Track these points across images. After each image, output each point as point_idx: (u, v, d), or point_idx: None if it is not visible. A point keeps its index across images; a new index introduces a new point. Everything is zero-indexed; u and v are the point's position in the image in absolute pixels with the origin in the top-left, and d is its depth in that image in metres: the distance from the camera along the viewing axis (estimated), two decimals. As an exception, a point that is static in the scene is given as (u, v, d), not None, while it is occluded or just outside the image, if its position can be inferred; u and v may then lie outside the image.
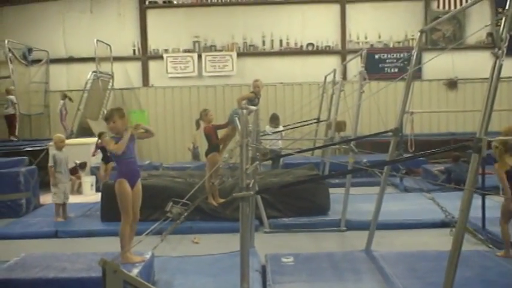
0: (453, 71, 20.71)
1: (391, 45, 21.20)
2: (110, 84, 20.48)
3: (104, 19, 21.24)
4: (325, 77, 17.07)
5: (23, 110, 18.86)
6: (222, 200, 10.43)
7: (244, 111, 5.60)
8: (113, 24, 21.24)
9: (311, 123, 16.79)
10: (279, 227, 10.34)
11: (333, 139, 13.81)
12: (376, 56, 20.86)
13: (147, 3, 21.37)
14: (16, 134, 18.03)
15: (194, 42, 21.33)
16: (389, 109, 18.70)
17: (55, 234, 10.30)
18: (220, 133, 10.90)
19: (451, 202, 9.12)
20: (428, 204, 10.22)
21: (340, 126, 15.34)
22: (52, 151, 11.50)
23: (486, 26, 17.46)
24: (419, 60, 11.02)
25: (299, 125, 16.27)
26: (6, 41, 18.13)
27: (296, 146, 14.61)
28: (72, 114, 19.13)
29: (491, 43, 20.57)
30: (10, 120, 18.14)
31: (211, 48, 21.37)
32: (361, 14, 21.11)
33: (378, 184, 8.67)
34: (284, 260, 7.64)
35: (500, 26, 4.67)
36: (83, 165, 15.46)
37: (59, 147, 11.37)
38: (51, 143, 14.27)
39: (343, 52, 21.06)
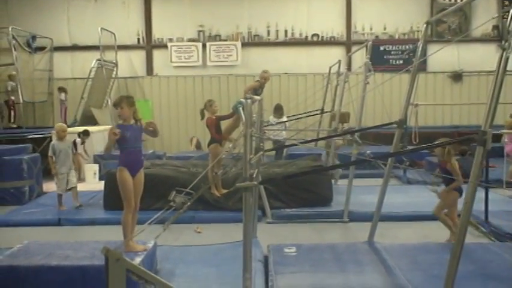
0: (458, 64, 20.67)
1: (397, 37, 21.14)
2: (114, 72, 20.45)
3: (109, 7, 21.20)
4: (330, 68, 17.01)
5: (26, 98, 18.86)
6: (224, 191, 10.43)
7: (249, 101, 5.58)
8: (118, 13, 21.21)
9: (315, 114, 16.76)
10: (282, 218, 10.34)
11: (337, 130, 13.79)
12: (381, 48, 20.79)
13: (152, -9, 21.35)
14: (14, 121, 18.07)
15: (199, 32, 21.28)
16: (394, 101, 18.70)
17: (58, 222, 10.32)
18: (224, 124, 10.86)
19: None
20: (431, 196, 10.17)
21: (344, 117, 15.32)
22: (53, 141, 11.37)
23: (493, 18, 17.40)
24: (424, 52, 11.00)
25: (303, 115, 16.24)
26: (10, 28, 18.11)
27: (300, 136, 14.59)
28: (75, 103, 19.13)
29: (496, 36, 20.51)
30: (9, 106, 18.20)
31: (216, 37, 21.33)
32: (366, 5, 21.04)
33: (381, 176, 8.68)
34: (286, 250, 7.65)
35: (507, 18, 4.64)
36: (85, 133, 15.41)
37: (61, 136, 11.22)
38: (53, 131, 14.29)
39: (348, 43, 21.01)
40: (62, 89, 19.58)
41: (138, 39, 21.42)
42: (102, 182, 11.65)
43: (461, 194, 8.11)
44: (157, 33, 21.40)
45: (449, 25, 20.88)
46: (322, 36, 21.25)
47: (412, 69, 7.65)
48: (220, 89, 20.69)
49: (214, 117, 10.45)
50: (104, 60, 19.36)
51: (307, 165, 11.95)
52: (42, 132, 16.49)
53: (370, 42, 10.39)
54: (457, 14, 20.64)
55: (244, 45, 21.07)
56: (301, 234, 9.38)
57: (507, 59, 4.49)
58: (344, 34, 21.24)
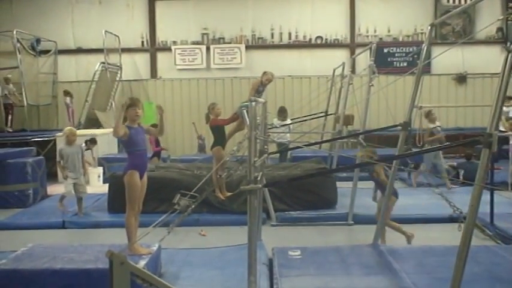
0: (462, 66, 20.65)
1: (401, 39, 21.12)
2: (118, 75, 20.48)
3: (113, 10, 21.24)
4: (334, 71, 17.01)
5: (31, 101, 18.92)
6: (229, 194, 10.42)
7: (253, 103, 5.57)
8: (122, 16, 21.25)
9: (319, 117, 16.75)
10: (286, 220, 10.34)
11: (341, 133, 13.78)
12: (385, 50, 20.77)
13: (156, -6, 21.37)
14: (11, 125, 18.07)
15: (203, 35, 21.31)
16: (398, 103, 18.67)
17: (62, 225, 10.34)
18: (228, 128, 10.86)
19: (460, 197, 9.07)
20: (437, 199, 10.15)
21: (348, 120, 15.31)
22: (60, 145, 11.03)
23: (498, 20, 17.37)
24: (428, 55, 10.97)
25: (307, 118, 16.23)
26: (14, 31, 18.16)
27: (304, 139, 14.57)
28: (80, 106, 19.15)
29: (501, 38, 20.47)
30: (7, 109, 18.18)
31: (220, 40, 21.34)
32: (370, 7, 21.04)
33: (386, 178, 8.64)
34: (291, 253, 7.63)
35: (511, 20, 4.63)
36: (92, 141, 15.35)
37: (70, 141, 10.81)
38: (58, 134, 14.30)
39: (352, 45, 21.00)
40: (67, 93, 19.58)
41: (142, 42, 21.45)
42: (106, 185, 11.66)
43: (397, 197, 8.36)
44: (161, 36, 21.42)
45: (454, 27, 20.86)
46: (326, 39, 21.25)
47: (416, 71, 7.63)
48: (225, 91, 20.69)
49: (217, 119, 10.44)
50: (108, 63, 19.39)
51: (311, 168, 11.94)
52: (47, 135, 16.51)
53: (374, 45, 10.37)
54: (461, 16, 20.61)
55: (248, 47, 21.08)
56: (306, 237, 9.37)
57: (512, 60, 4.47)
58: (348, 36, 21.23)
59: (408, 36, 21.15)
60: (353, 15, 21.15)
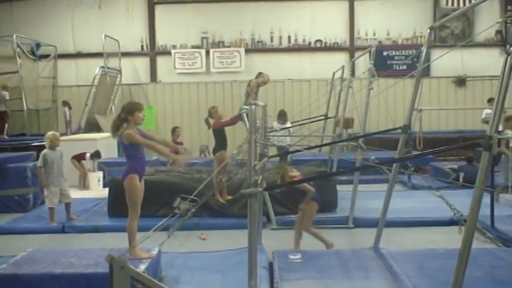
0: (462, 69, 20.69)
1: (400, 42, 21.16)
2: (118, 79, 20.50)
3: (113, 14, 21.28)
4: (334, 74, 17.01)
5: (31, 105, 18.92)
6: (229, 197, 10.41)
7: (253, 107, 5.56)
8: (121, 20, 21.29)
9: (319, 120, 16.75)
10: (287, 224, 10.28)
11: (341, 136, 13.77)
12: (385, 53, 20.80)
13: (155, -2, 21.41)
14: (6, 133, 18.01)
15: (202, 38, 21.34)
16: (398, 106, 18.67)
17: (62, 230, 10.29)
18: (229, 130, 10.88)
19: (460, 200, 9.04)
20: (437, 202, 10.13)
21: (348, 123, 15.30)
22: (44, 150, 10.60)
23: (497, 22, 17.39)
24: (428, 58, 10.98)
25: (307, 121, 16.22)
26: (14, 36, 18.18)
27: (304, 142, 14.57)
28: (79, 110, 19.15)
29: (500, 41, 20.48)
30: (1, 117, 18.10)
31: (219, 44, 21.37)
32: (369, 10, 21.08)
33: (386, 181, 8.65)
34: (291, 257, 7.62)
35: (510, 23, 4.63)
36: (96, 154, 15.33)
37: (54, 145, 10.55)
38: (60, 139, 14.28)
39: (351, 49, 21.03)
40: (65, 103, 19.59)
41: (142, 46, 21.48)
42: (106, 189, 11.63)
43: (318, 203, 8.37)
44: (161, 40, 21.46)
45: (453, 30, 20.89)
46: (326, 42, 21.28)
47: (416, 74, 7.63)
48: (224, 95, 20.71)
49: (221, 121, 10.44)
50: (108, 67, 19.42)
51: (311, 171, 11.92)
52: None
53: (374, 48, 10.36)
54: (460, 19, 20.65)
55: (247, 51, 21.11)
56: (306, 240, 9.34)
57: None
58: (347, 40, 21.27)
59: (407, 39, 21.18)
60: (352, 19, 21.18)
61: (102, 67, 19.15)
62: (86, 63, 20.86)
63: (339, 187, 11.28)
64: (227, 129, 10.81)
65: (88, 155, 15.00)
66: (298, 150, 11.47)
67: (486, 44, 20.76)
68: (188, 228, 8.63)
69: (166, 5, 21.53)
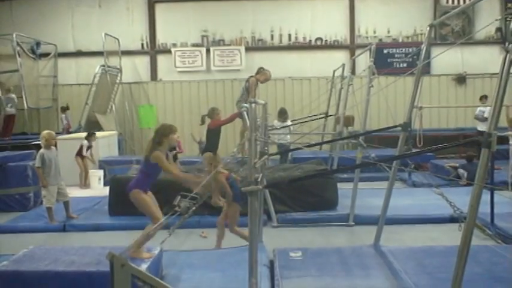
0: (462, 66, 20.68)
1: (400, 40, 21.15)
2: (118, 78, 20.50)
3: (113, 13, 21.28)
4: (334, 72, 17.03)
5: (31, 104, 18.94)
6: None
7: (253, 105, 5.57)
8: (122, 18, 21.29)
9: (319, 118, 16.76)
10: (287, 222, 10.33)
11: (342, 134, 13.78)
12: (385, 51, 20.79)
13: (155, -3, 21.42)
14: (9, 135, 18.07)
15: (202, 37, 21.34)
16: (398, 104, 18.66)
17: (63, 228, 10.31)
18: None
19: (460, 197, 9.05)
20: (437, 199, 10.13)
21: (349, 120, 15.33)
22: (41, 150, 10.50)
23: (496, 20, 17.39)
24: (428, 55, 10.98)
25: (307, 119, 16.24)
26: (14, 35, 18.18)
27: (304, 140, 14.58)
28: (80, 109, 19.16)
29: (500, 38, 20.47)
30: (9, 120, 18.14)
31: (220, 42, 21.37)
32: (370, 8, 21.07)
33: (386, 179, 8.67)
34: (292, 254, 7.64)
35: (510, 20, 4.64)
36: (90, 135, 15.34)
37: (50, 144, 10.49)
38: (58, 137, 14.25)
39: (351, 47, 21.03)
40: (63, 109, 19.64)
41: (142, 44, 21.48)
42: (107, 188, 11.63)
43: (239, 203, 8.28)
44: (161, 39, 21.45)
45: (453, 28, 20.88)
46: (326, 40, 21.28)
47: (416, 72, 7.64)
48: (225, 93, 20.71)
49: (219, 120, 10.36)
50: (108, 66, 19.42)
51: (312, 169, 11.93)
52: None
53: (374, 46, 10.36)
54: (461, 16, 20.64)
55: (248, 49, 21.11)
56: (307, 238, 9.37)
57: (511, 61, 4.48)
58: (348, 38, 21.26)
59: (408, 37, 21.18)
60: (353, 17, 21.18)
61: (103, 66, 19.15)
62: (86, 61, 20.86)
63: (339, 185, 11.28)
64: (227, 128, 10.78)
65: (85, 142, 14.95)
66: (298, 148, 11.49)
67: (486, 42, 20.77)
68: (189, 226, 8.63)
69: (166, 3, 21.53)
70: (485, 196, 6.87)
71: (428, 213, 10.30)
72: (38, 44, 19.99)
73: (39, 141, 15.15)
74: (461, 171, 13.60)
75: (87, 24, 21.14)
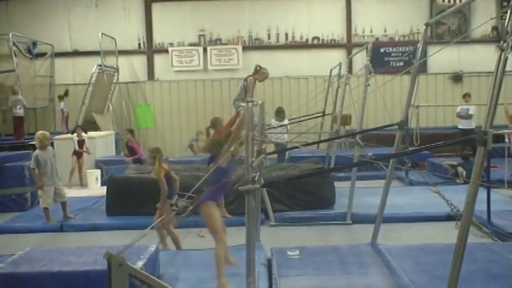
0: (458, 65, 20.70)
1: (397, 39, 21.16)
2: (115, 78, 20.49)
3: (109, 13, 21.24)
4: (331, 71, 17.04)
5: (28, 104, 18.91)
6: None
7: (249, 104, 5.57)
8: (118, 18, 21.26)
9: (316, 117, 16.77)
10: (285, 221, 10.34)
11: (339, 132, 13.80)
12: (382, 50, 20.81)
13: (152, -4, 21.41)
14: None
15: (199, 36, 21.32)
16: (395, 103, 18.69)
17: (60, 228, 10.31)
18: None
19: (457, 195, 9.09)
20: (434, 197, 10.18)
21: (346, 119, 15.33)
22: (35, 151, 10.49)
23: (491, 19, 17.42)
24: (424, 54, 10.99)
25: (304, 118, 16.25)
26: (10, 35, 18.15)
27: (302, 139, 14.60)
28: (77, 108, 19.15)
29: (496, 37, 20.51)
30: (19, 122, 18.15)
31: (217, 41, 21.37)
32: (366, 7, 21.07)
33: (383, 177, 8.67)
34: (290, 253, 7.65)
35: (505, 19, 4.66)
36: (81, 127, 15.29)
37: (44, 145, 10.48)
38: (56, 137, 14.27)
39: (348, 46, 21.03)
40: (60, 97, 19.63)
41: (139, 44, 21.45)
42: (104, 188, 11.63)
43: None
44: (158, 38, 21.44)
45: (449, 27, 20.90)
46: (323, 39, 21.29)
47: (412, 70, 7.66)
48: (222, 93, 20.69)
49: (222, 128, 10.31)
50: (105, 66, 19.40)
51: (309, 168, 11.94)
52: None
53: (370, 45, 10.39)
54: (457, 15, 20.65)
55: (245, 48, 21.10)
56: (304, 236, 9.38)
57: (506, 59, 4.49)
58: (344, 37, 21.27)
59: (404, 36, 21.19)
60: (349, 16, 21.18)
61: (99, 65, 19.13)
62: (83, 61, 20.83)
63: (336, 184, 11.31)
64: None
65: (74, 138, 14.91)
66: (295, 147, 11.50)
67: (482, 40, 20.79)
68: (187, 225, 8.63)
69: (163, 2, 21.50)
70: (482, 194, 6.89)
71: (425, 212, 10.32)
72: (34, 43, 19.96)
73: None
74: (460, 169, 13.62)
75: (83, 24, 21.11)
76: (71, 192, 12.84)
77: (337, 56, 20.18)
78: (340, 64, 16.03)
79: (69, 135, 16.06)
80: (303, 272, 6.91)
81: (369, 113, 17.04)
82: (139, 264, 6.01)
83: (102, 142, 16.71)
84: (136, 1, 21.36)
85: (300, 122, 16.01)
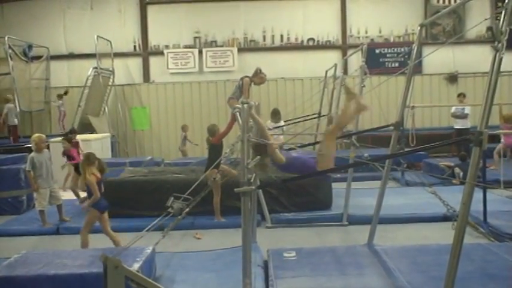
0: (454, 65, 20.73)
1: (392, 40, 21.19)
2: (111, 80, 20.48)
3: (105, 15, 21.23)
4: (326, 72, 17.03)
5: (23, 107, 18.89)
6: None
7: (245, 106, 5.57)
8: (114, 21, 21.24)
9: (312, 118, 16.77)
10: (281, 222, 10.34)
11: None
12: (377, 51, 20.83)
13: (147, -1, 21.40)
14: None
15: (195, 38, 21.33)
16: (391, 103, 18.67)
17: (56, 231, 10.28)
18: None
19: (453, 196, 9.10)
20: (430, 198, 10.19)
21: (342, 121, 15.27)
22: (31, 153, 10.45)
23: (486, 19, 17.45)
24: (419, 55, 10.99)
25: (300, 119, 16.24)
26: (6, 38, 18.14)
27: (298, 140, 14.57)
28: (72, 111, 19.14)
29: (491, 37, 20.52)
30: (14, 129, 18.12)
31: (212, 43, 21.36)
32: (361, 8, 21.10)
33: (379, 178, 8.67)
34: (286, 254, 7.65)
35: (499, 19, 4.66)
36: (73, 131, 15.18)
37: (40, 148, 10.42)
38: (51, 140, 14.21)
39: (343, 47, 21.05)
40: (60, 96, 19.64)
41: (135, 46, 21.44)
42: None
43: (102, 211, 8.35)
44: (153, 40, 21.43)
45: (444, 27, 20.93)
46: (318, 41, 21.30)
47: (407, 71, 7.66)
48: (218, 94, 20.65)
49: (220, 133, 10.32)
50: (101, 68, 19.39)
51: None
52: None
53: (365, 46, 10.40)
54: (451, 16, 20.68)
55: (240, 50, 21.11)
56: (301, 238, 9.38)
57: (501, 59, 4.50)
58: (339, 38, 21.29)
59: (399, 36, 21.22)
60: (344, 17, 21.21)
61: (95, 68, 19.13)
62: (79, 64, 20.81)
63: (333, 185, 11.29)
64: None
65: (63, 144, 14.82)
66: (292, 148, 11.48)
67: (477, 41, 20.81)
68: (183, 227, 8.64)
69: (158, 5, 21.51)
70: (478, 194, 6.90)
71: (422, 212, 10.33)
72: (30, 46, 19.95)
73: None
74: (457, 170, 13.63)
75: (79, 27, 21.08)
76: (66, 195, 12.79)
77: (333, 57, 20.17)
78: (335, 65, 16.02)
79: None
80: (300, 273, 6.91)
81: (364, 114, 16.94)
82: (136, 266, 6.01)
83: (97, 145, 16.65)
84: (131, 3, 21.35)
85: (296, 123, 16.00)
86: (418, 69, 19.48)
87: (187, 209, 5.08)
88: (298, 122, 16.09)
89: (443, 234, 8.34)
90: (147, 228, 4.86)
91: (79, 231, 10.09)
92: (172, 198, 5.07)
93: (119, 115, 20.83)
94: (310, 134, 15.99)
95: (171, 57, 21.16)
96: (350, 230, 9.90)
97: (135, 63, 21.52)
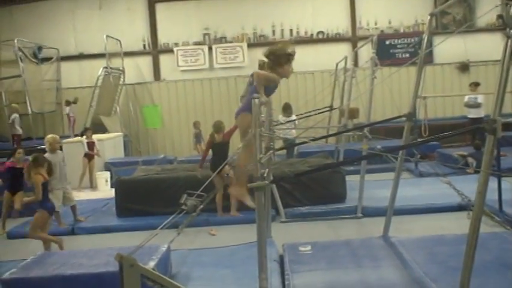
0: (465, 54, 20.58)
1: (402, 31, 21.09)
2: (121, 79, 20.52)
3: (114, 15, 21.27)
4: (337, 65, 16.98)
5: (35, 109, 18.97)
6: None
7: (257, 101, 5.54)
8: (123, 20, 21.28)
9: (324, 111, 16.73)
10: (296, 216, 10.32)
11: (347, 126, 13.76)
12: (387, 42, 20.74)
13: (156, -3, 21.41)
14: None
15: (204, 35, 21.33)
16: (402, 94, 18.60)
17: (72, 231, 10.31)
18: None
19: (467, 185, 9.06)
20: (445, 188, 10.15)
21: (353, 113, 15.27)
22: (45, 154, 10.04)
23: (496, 6, 17.30)
24: (430, 44, 10.94)
25: (312, 113, 16.20)
26: (16, 40, 18.20)
27: (310, 134, 14.55)
28: (84, 111, 19.18)
29: (501, 25, 20.35)
30: (18, 138, 18.17)
31: (222, 40, 21.36)
32: (370, 0, 21.01)
33: (393, 170, 8.64)
34: (301, 249, 7.63)
35: (510, 5, 4.62)
36: (88, 130, 15.35)
37: (54, 148, 10.45)
38: (64, 141, 14.26)
39: (353, 39, 20.97)
40: (67, 103, 19.69)
41: (144, 45, 21.48)
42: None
43: (50, 213, 8.45)
44: (162, 38, 21.45)
45: (454, 16, 20.80)
46: (328, 33, 21.26)
47: (418, 61, 7.62)
48: (229, 90, 20.67)
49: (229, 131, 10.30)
50: (111, 68, 19.43)
51: (318, 163, 11.91)
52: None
53: (375, 37, 10.35)
54: (462, 4, 20.56)
55: (250, 45, 21.08)
56: (316, 231, 9.36)
57: (512, 46, 4.47)
58: (349, 30, 21.23)
59: (409, 27, 21.13)
60: (353, 9, 21.14)
61: (105, 68, 19.17)
62: (89, 64, 20.86)
63: (346, 177, 11.26)
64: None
65: (83, 141, 14.92)
66: (304, 142, 11.46)
67: (488, 29, 20.65)
68: (198, 224, 8.66)
69: (166, 2, 21.51)
70: (493, 183, 6.85)
71: (436, 203, 10.27)
72: (39, 48, 20.04)
73: (44, 145, 15.21)
74: (470, 159, 13.55)
75: (88, 27, 21.14)
76: (81, 195, 12.87)
77: (343, 49, 20.12)
78: (345, 58, 15.97)
79: (78, 137, 16.04)
80: (316, 267, 6.90)
81: (376, 106, 16.96)
82: (151, 264, 6.02)
83: (110, 144, 16.72)
84: (140, 2, 21.38)
85: (308, 117, 15.96)
86: (429, 59, 19.39)
87: (201, 206, 5.06)
88: (310, 115, 16.06)
89: (458, 224, 8.29)
90: (161, 226, 4.85)
91: (93, 231, 10.23)
92: (185, 195, 5.05)
93: (130, 114, 20.89)
94: (322, 128, 15.96)
95: (181, 55, 21.17)
96: (365, 223, 9.87)
97: (145, 62, 21.56)
